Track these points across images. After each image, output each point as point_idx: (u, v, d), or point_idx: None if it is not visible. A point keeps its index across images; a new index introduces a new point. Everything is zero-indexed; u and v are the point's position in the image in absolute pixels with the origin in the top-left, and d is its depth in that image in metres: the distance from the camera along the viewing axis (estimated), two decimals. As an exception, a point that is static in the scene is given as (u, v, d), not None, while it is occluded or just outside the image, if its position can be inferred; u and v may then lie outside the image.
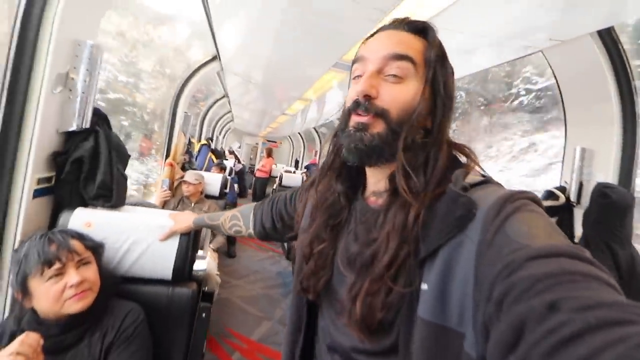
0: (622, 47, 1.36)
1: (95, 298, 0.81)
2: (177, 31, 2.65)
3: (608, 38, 1.37)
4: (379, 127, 0.48)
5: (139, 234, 0.97)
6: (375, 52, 0.50)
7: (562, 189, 1.61)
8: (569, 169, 1.61)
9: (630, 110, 1.40)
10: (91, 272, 0.83)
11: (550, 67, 1.64)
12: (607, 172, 1.46)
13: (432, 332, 0.39)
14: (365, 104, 0.48)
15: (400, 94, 0.48)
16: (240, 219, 0.94)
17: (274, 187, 5.32)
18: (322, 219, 0.57)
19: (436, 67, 0.49)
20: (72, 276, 0.78)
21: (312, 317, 0.61)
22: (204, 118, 4.85)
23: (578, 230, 1.53)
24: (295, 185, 5.12)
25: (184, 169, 2.75)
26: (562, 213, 1.58)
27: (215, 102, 4.75)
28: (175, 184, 2.55)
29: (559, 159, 1.71)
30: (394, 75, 0.48)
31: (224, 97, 4.49)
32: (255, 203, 0.94)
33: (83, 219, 0.96)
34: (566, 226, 1.56)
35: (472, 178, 0.45)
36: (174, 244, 0.99)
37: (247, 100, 4.36)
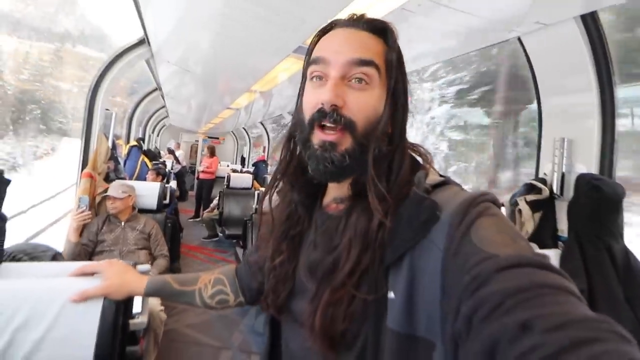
0: (605, 34, 1.30)
1: None
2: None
3: (592, 24, 1.30)
4: (346, 143, 0.46)
5: (26, 314, 0.58)
6: (337, 55, 0.46)
7: (543, 181, 1.54)
8: (548, 160, 1.55)
9: (610, 100, 1.36)
10: None
11: (527, 54, 1.56)
12: (588, 163, 1.42)
13: (403, 342, 0.38)
14: (334, 114, 0.45)
15: (366, 103, 0.46)
16: (227, 283, 0.71)
17: (221, 189, 4.82)
18: (281, 229, 0.55)
19: (397, 72, 0.48)
20: None
21: (277, 338, 0.59)
22: (132, 114, 4.15)
23: (561, 223, 1.49)
24: (247, 186, 4.71)
25: (108, 179, 2.21)
26: (545, 206, 1.51)
27: (146, 96, 4.08)
28: (99, 199, 2.03)
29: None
30: (359, 81, 0.46)
31: (156, 89, 3.87)
32: (235, 265, 0.76)
33: None
34: (550, 220, 1.50)
35: (432, 179, 0.44)
36: (92, 317, 0.63)
37: (185, 94, 3.83)
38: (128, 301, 0.71)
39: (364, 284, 0.43)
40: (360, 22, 0.48)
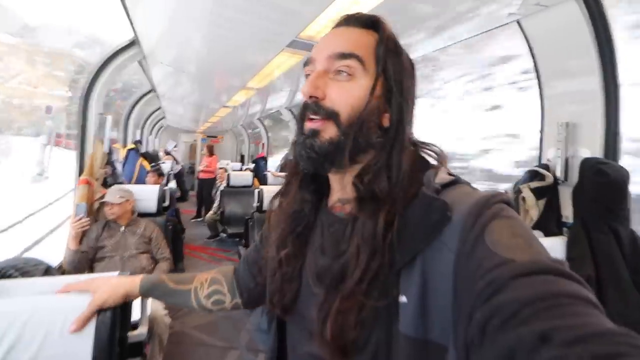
0: (606, 13, 1.25)
1: None
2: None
3: (593, 3, 1.25)
4: (330, 132, 0.46)
5: (16, 334, 0.56)
6: (322, 52, 0.48)
7: (546, 167, 1.51)
8: (551, 146, 1.52)
9: (613, 82, 1.32)
10: None
11: (526, 38, 1.51)
12: (592, 147, 1.38)
13: (416, 348, 0.38)
14: (312, 105, 0.46)
15: (348, 92, 0.46)
16: (224, 283, 0.70)
17: (221, 188, 4.80)
18: (287, 224, 0.54)
19: (387, 61, 0.47)
20: None
21: (284, 338, 0.58)
22: (128, 117, 4.12)
23: (565, 209, 1.46)
24: (247, 184, 4.69)
25: (106, 184, 2.19)
26: (549, 193, 1.48)
27: (141, 98, 4.04)
28: (97, 205, 2.01)
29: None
30: (341, 73, 0.46)
31: (151, 91, 3.83)
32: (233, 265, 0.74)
33: None
34: (555, 206, 1.48)
35: (441, 178, 0.43)
36: (87, 333, 0.61)
37: (180, 94, 3.79)
38: (125, 313, 0.69)
39: (374, 290, 0.42)
40: (351, 20, 0.50)
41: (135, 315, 0.79)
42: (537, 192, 1.47)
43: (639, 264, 1.21)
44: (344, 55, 0.46)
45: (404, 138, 0.47)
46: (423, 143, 0.50)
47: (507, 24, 1.47)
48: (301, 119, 0.49)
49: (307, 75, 0.50)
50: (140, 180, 3.52)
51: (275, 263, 0.54)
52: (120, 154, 3.54)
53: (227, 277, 0.71)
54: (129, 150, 3.64)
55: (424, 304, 0.38)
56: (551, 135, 1.50)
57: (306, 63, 0.51)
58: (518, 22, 1.47)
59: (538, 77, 1.56)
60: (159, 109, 5.55)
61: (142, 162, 3.65)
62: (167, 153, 7.29)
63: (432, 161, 0.48)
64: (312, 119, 0.47)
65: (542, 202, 1.47)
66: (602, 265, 1.24)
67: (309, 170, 0.49)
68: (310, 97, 0.46)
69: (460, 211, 0.38)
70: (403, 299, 0.40)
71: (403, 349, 0.39)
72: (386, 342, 0.41)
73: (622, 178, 1.23)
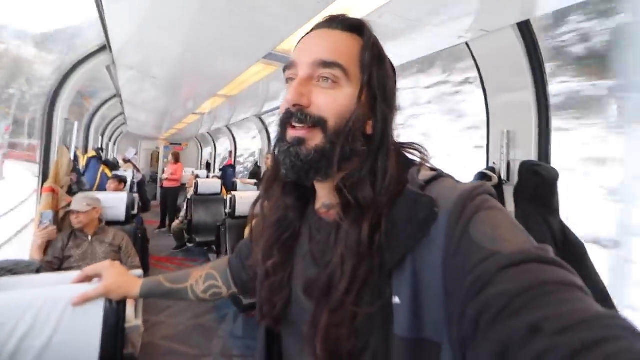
0: (537, 40, 1.50)
1: None
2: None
3: (526, 31, 1.49)
4: (317, 139, 0.45)
5: (29, 323, 0.59)
6: (303, 57, 0.46)
7: (492, 170, 1.74)
8: (496, 151, 1.75)
9: (544, 96, 1.57)
10: None
11: (474, 57, 1.74)
12: (528, 151, 1.62)
13: (411, 348, 0.37)
14: (298, 114, 0.45)
15: (335, 100, 0.45)
16: (218, 277, 0.73)
17: (189, 196, 4.70)
18: (271, 233, 0.53)
19: (372, 69, 0.46)
20: None
21: (275, 350, 0.56)
22: (89, 123, 3.93)
23: (509, 206, 1.68)
24: (215, 192, 4.64)
25: (71, 192, 2.10)
26: (496, 192, 1.70)
27: (103, 104, 3.88)
28: (62, 213, 1.94)
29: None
30: (326, 79, 0.45)
31: (114, 96, 3.70)
32: (228, 256, 0.77)
33: None
34: (500, 203, 1.69)
35: (424, 174, 0.44)
36: (95, 320, 0.65)
37: (144, 99, 3.70)
38: (124, 304, 0.73)
39: (365, 296, 0.41)
40: (335, 22, 0.48)
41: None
42: (486, 192, 1.69)
43: (567, 251, 1.44)
44: (327, 64, 0.45)
45: (389, 145, 0.47)
46: (404, 144, 0.49)
47: (457, 45, 1.69)
48: (283, 126, 0.47)
49: (288, 79, 0.49)
50: (102, 189, 3.38)
51: (262, 272, 0.53)
52: (80, 162, 3.37)
53: (221, 270, 0.74)
54: (90, 158, 3.48)
55: (417, 303, 0.38)
56: (496, 142, 1.73)
57: (287, 66, 0.49)
58: (467, 44, 1.70)
59: (484, 91, 1.80)
60: (120, 114, 5.33)
61: (104, 170, 3.50)
62: (127, 161, 6.96)
63: (414, 158, 0.48)
64: (295, 127, 0.45)
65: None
66: (539, 252, 1.45)
67: (292, 179, 0.48)
68: (295, 105, 0.45)
69: (445, 206, 0.38)
70: (396, 300, 0.39)
71: (399, 351, 0.38)
72: (384, 348, 0.40)
73: (553, 177, 1.46)
